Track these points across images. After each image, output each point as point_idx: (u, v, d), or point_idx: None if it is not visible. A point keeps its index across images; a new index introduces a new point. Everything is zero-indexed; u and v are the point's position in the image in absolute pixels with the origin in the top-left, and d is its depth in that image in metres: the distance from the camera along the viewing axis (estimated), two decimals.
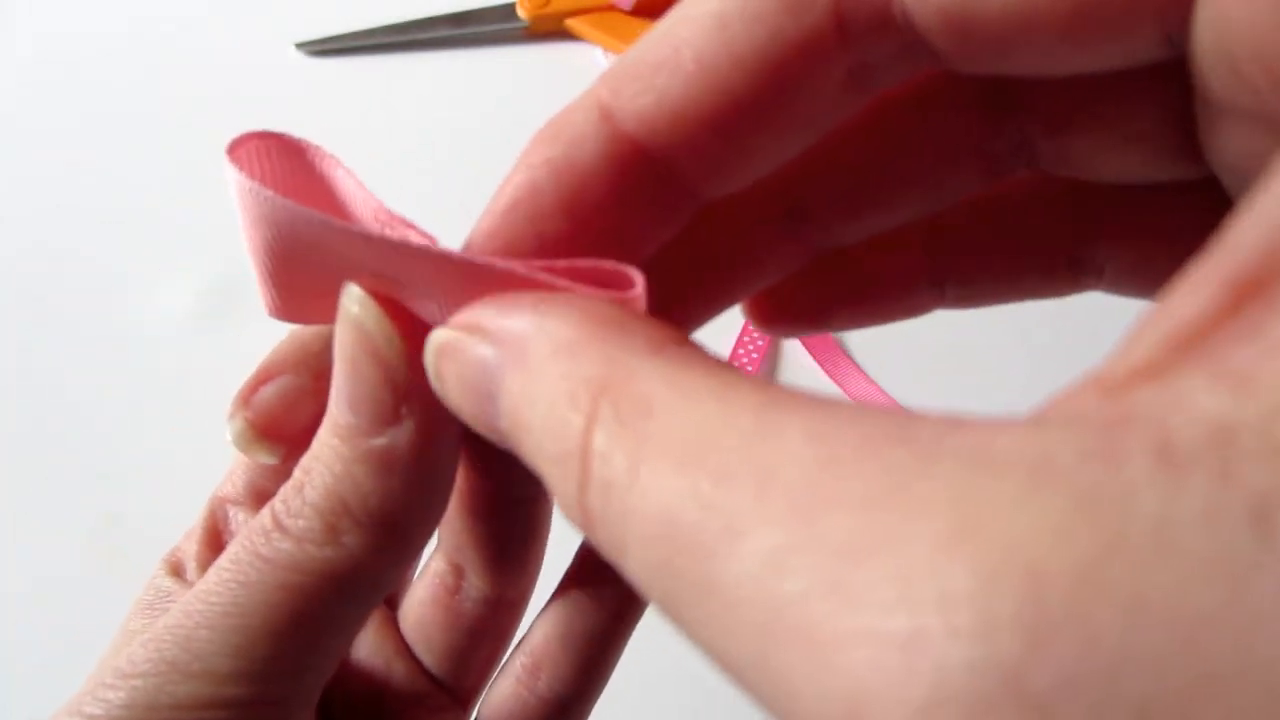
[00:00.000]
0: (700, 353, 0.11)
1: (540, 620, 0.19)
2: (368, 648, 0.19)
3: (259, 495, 0.19)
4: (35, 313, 0.44)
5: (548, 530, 0.19)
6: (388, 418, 0.15)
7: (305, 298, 0.16)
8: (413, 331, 0.14)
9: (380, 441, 0.15)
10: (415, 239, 0.15)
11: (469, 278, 0.14)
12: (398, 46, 0.55)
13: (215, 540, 0.19)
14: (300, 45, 0.55)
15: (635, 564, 0.11)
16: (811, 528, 0.09)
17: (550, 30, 0.55)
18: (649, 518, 0.10)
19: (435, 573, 0.19)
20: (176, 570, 0.19)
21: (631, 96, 0.14)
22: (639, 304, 0.13)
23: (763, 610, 0.09)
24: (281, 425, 0.17)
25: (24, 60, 0.55)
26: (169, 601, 0.18)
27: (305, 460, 0.15)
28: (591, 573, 0.19)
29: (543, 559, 0.19)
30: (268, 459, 0.17)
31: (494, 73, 0.54)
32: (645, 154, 0.14)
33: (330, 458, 0.15)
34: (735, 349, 0.41)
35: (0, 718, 0.33)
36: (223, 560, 0.15)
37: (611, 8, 0.55)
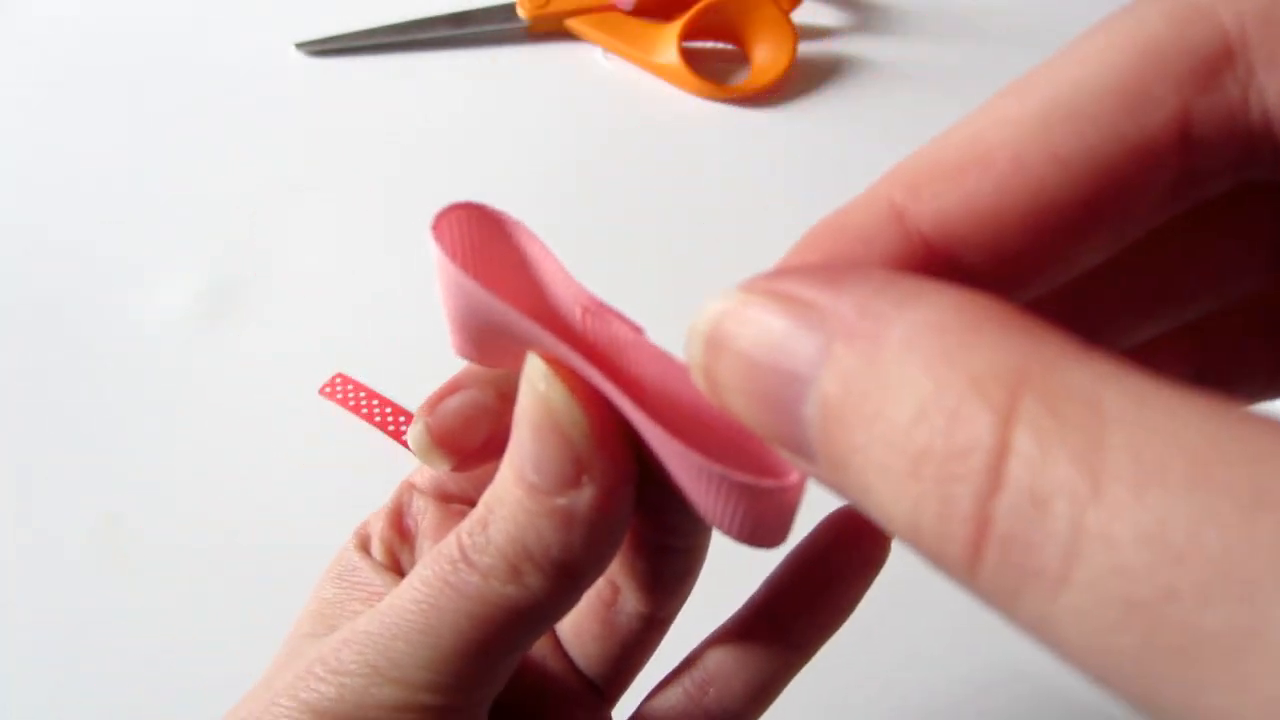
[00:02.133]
0: (1129, 363, 0.09)
1: (719, 638, 0.21)
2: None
3: (441, 490, 0.21)
4: (35, 312, 0.44)
5: (702, 565, 0.20)
6: (570, 483, 0.15)
7: (492, 351, 0.17)
8: (593, 399, 0.15)
9: (562, 502, 0.15)
10: (619, 329, 0.16)
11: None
12: (398, 46, 0.55)
13: (398, 522, 0.21)
14: (300, 45, 0.55)
15: (1088, 598, 0.08)
16: None
17: (550, 30, 0.55)
18: (1128, 544, 0.08)
19: (595, 588, 0.20)
20: (364, 545, 0.21)
21: (931, 197, 0.13)
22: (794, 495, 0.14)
23: None
24: (458, 438, 0.18)
25: (24, 59, 0.55)
26: (357, 576, 0.20)
27: (490, 498, 0.16)
28: (780, 602, 0.20)
29: (694, 586, 0.20)
30: (440, 466, 0.18)
31: (494, 73, 0.54)
32: (939, 256, 0.14)
33: (514, 507, 0.16)
34: None
35: (1, 717, 0.33)
36: (415, 580, 0.17)
37: (611, 8, 0.55)
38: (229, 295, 0.44)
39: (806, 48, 0.55)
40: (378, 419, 0.40)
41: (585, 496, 0.15)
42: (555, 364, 0.15)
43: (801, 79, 0.53)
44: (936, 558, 0.10)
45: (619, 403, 0.15)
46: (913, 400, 0.10)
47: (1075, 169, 0.12)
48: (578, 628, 0.21)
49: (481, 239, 0.16)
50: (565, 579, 0.16)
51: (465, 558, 0.16)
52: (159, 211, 0.48)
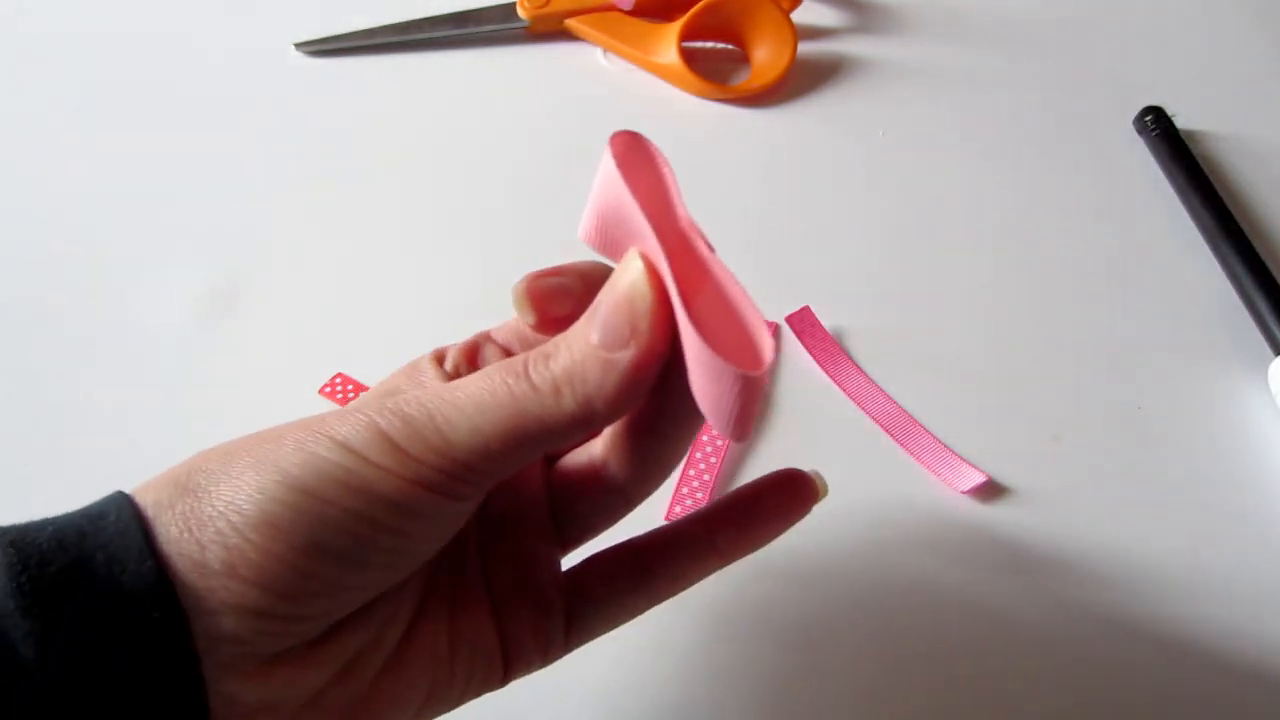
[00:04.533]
0: None
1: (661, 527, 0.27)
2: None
3: (507, 348, 0.26)
4: (35, 312, 0.44)
5: (676, 463, 0.25)
6: (621, 344, 0.20)
7: (606, 241, 0.22)
8: (661, 291, 0.20)
9: (610, 355, 0.21)
10: (700, 244, 0.21)
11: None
12: (398, 46, 0.55)
13: (472, 355, 0.26)
14: (300, 45, 0.55)
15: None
16: None
17: (550, 30, 0.55)
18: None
19: (590, 454, 0.26)
20: (439, 358, 0.25)
21: None
22: (763, 380, 0.19)
23: None
24: (546, 303, 0.23)
25: (23, 59, 0.55)
26: (424, 375, 0.25)
27: (560, 339, 0.22)
28: (716, 516, 0.26)
29: (664, 479, 0.26)
30: (527, 318, 0.23)
31: (494, 73, 0.54)
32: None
33: (576, 349, 0.21)
34: None
35: None
36: (479, 376, 0.22)
37: (611, 8, 0.55)
38: (229, 295, 0.44)
39: (806, 48, 0.55)
40: None
41: (627, 355, 0.20)
42: (646, 260, 0.21)
43: (801, 79, 0.53)
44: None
45: (674, 300, 0.20)
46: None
47: None
48: (566, 480, 0.27)
49: (634, 157, 0.22)
50: (587, 409, 0.21)
51: (526, 373, 0.21)
52: (159, 211, 0.48)
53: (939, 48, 0.56)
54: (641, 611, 0.27)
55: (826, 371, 0.41)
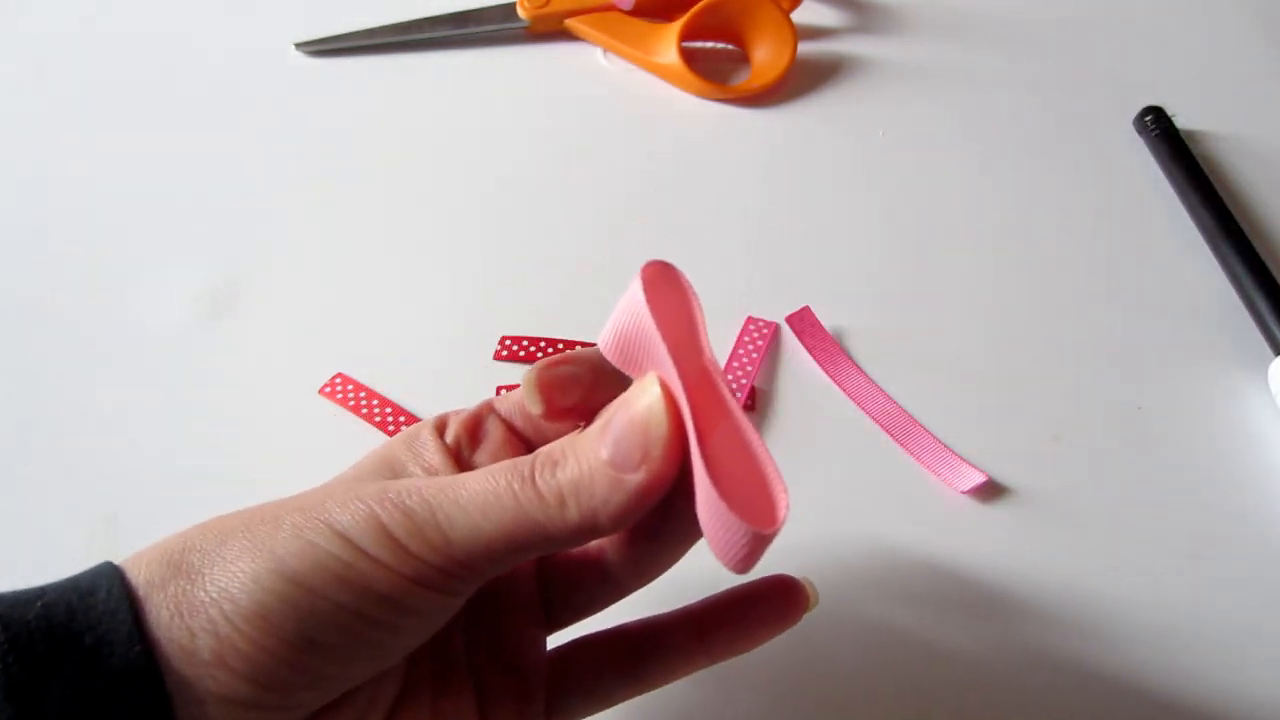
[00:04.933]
0: None
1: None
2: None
3: (510, 422, 0.26)
4: (35, 312, 0.44)
5: (672, 564, 0.26)
6: (632, 467, 0.21)
7: (625, 359, 0.23)
8: (676, 421, 0.21)
9: (619, 475, 0.21)
10: (721, 386, 0.22)
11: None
12: (398, 46, 0.55)
13: (474, 427, 0.26)
14: (300, 45, 0.55)
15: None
16: None
17: (550, 30, 0.55)
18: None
19: (586, 544, 0.26)
20: (440, 429, 0.25)
21: None
22: (773, 531, 0.19)
23: None
24: (555, 394, 0.23)
25: (23, 59, 0.55)
26: (424, 449, 0.25)
27: (568, 447, 0.22)
28: (708, 613, 0.27)
29: (659, 575, 0.26)
30: (535, 409, 0.23)
31: (494, 73, 0.54)
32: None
33: (585, 463, 0.21)
34: (735, 348, 0.41)
35: None
36: (485, 475, 0.22)
37: (611, 8, 0.55)
38: (229, 295, 0.44)
39: (806, 48, 0.55)
40: (377, 419, 0.39)
41: (636, 478, 0.20)
42: (665, 386, 0.21)
43: (801, 79, 0.53)
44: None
45: (690, 435, 0.20)
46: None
47: None
48: (559, 565, 0.27)
49: (662, 285, 0.22)
50: (590, 522, 0.21)
51: (532, 479, 0.21)
52: (159, 211, 0.48)
53: (939, 48, 0.56)
54: (624, 700, 0.27)
55: (826, 371, 0.41)
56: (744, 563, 0.20)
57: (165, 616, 0.20)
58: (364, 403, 0.40)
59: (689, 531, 0.24)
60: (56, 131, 0.51)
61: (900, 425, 0.39)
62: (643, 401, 0.21)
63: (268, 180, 0.49)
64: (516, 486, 0.21)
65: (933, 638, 0.34)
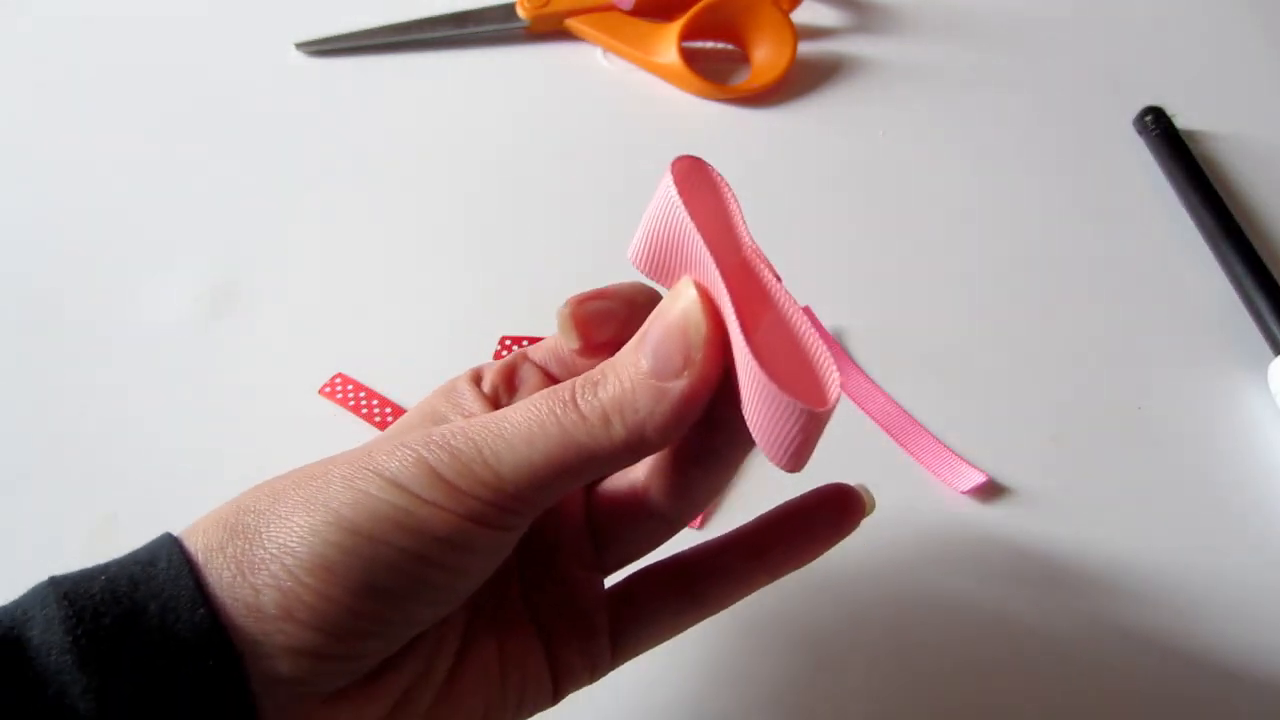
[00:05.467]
0: None
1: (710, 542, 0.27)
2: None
3: (545, 368, 0.26)
4: (34, 312, 0.44)
5: (721, 488, 0.25)
6: (675, 373, 0.20)
7: (657, 267, 0.22)
8: (716, 320, 0.20)
9: (662, 384, 0.20)
10: (765, 272, 0.21)
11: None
12: (398, 46, 0.55)
13: (509, 375, 0.25)
14: (300, 45, 0.55)
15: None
16: None
17: (550, 30, 0.55)
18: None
19: (631, 480, 0.26)
20: (475, 379, 0.25)
21: None
22: (825, 417, 0.18)
23: None
24: (590, 328, 0.23)
25: (23, 58, 0.55)
26: (462, 398, 0.25)
27: (607, 367, 0.21)
28: (763, 532, 0.26)
29: (707, 505, 0.26)
30: (570, 344, 0.23)
31: (494, 73, 0.54)
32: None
33: (626, 377, 0.21)
34: None
35: None
36: (526, 405, 0.21)
37: (611, 8, 0.55)
38: (229, 295, 0.44)
39: (806, 48, 0.55)
40: (377, 419, 0.40)
41: (680, 384, 0.20)
42: (700, 288, 0.20)
43: (801, 79, 0.53)
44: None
45: (732, 330, 0.19)
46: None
47: None
48: (607, 505, 0.26)
49: (694, 182, 0.21)
50: (638, 437, 0.21)
51: (574, 401, 0.21)
52: (159, 211, 0.48)
53: (939, 48, 0.56)
54: (688, 627, 0.27)
55: None
56: (796, 455, 0.19)
57: (227, 578, 0.20)
58: (364, 403, 0.40)
59: (736, 445, 0.23)
60: (56, 132, 0.51)
61: (900, 425, 0.39)
62: (679, 305, 0.20)
63: (268, 180, 0.49)
64: (559, 411, 0.21)
65: (932, 638, 0.34)
